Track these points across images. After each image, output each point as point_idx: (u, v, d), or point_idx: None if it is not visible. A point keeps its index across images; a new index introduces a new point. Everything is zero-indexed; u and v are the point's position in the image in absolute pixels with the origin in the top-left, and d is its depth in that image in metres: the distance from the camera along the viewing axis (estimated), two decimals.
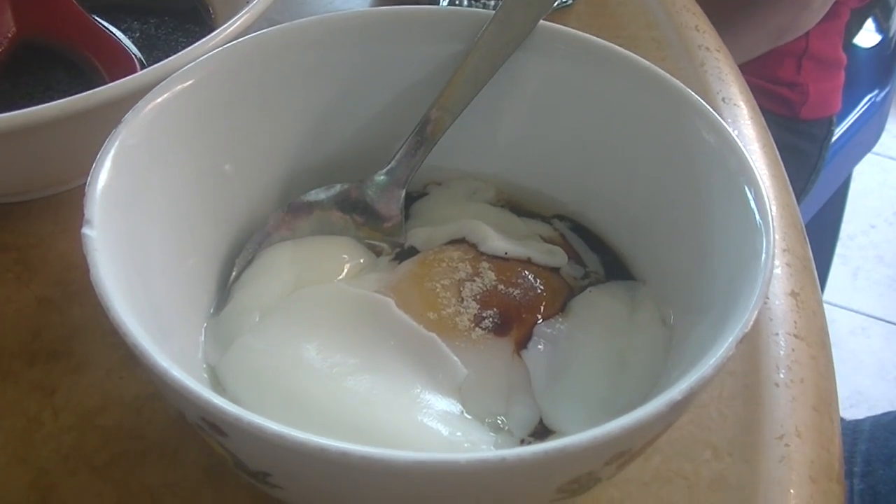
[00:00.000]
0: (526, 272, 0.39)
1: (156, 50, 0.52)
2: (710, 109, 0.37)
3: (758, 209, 0.33)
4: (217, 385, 0.35)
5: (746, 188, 0.34)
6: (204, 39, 0.43)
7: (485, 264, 0.39)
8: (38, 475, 0.38)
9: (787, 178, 0.54)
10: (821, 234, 1.43)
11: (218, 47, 0.40)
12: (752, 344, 0.43)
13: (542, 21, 0.41)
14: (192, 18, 0.54)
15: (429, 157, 0.41)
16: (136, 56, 0.50)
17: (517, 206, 0.43)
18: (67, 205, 0.48)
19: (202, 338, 0.37)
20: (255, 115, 0.40)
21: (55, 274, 0.45)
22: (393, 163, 0.41)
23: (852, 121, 1.42)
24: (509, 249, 0.39)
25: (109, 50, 0.50)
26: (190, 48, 0.42)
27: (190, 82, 0.37)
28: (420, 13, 0.42)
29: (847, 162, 1.47)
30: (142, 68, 0.49)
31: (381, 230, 0.41)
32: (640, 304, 0.38)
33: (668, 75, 0.39)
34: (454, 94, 0.41)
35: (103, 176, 0.33)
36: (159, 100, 0.36)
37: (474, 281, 0.38)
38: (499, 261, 0.39)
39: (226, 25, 0.45)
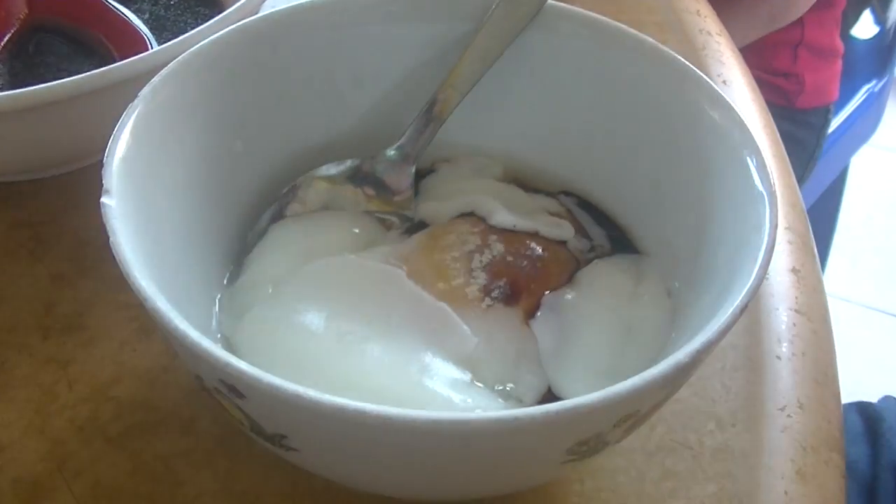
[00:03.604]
0: (534, 244, 0.39)
1: (165, 31, 0.52)
2: (714, 85, 0.38)
3: (760, 179, 0.34)
4: (232, 354, 0.36)
5: (749, 160, 0.35)
6: (214, 20, 0.44)
7: (493, 237, 0.39)
8: (54, 445, 0.39)
9: (787, 159, 0.55)
10: (819, 223, 1.44)
11: (228, 27, 0.40)
12: (754, 318, 0.44)
13: (549, 0, 0.42)
14: (201, 0, 0.54)
15: (437, 134, 0.42)
16: (146, 36, 0.50)
17: (524, 182, 0.44)
18: (79, 183, 0.49)
19: (216, 308, 0.38)
20: (267, 92, 0.41)
21: (68, 250, 0.46)
22: (403, 139, 0.42)
23: (850, 111, 1.43)
24: (517, 223, 0.40)
25: (121, 30, 0.50)
26: (201, 28, 0.43)
27: (205, 59, 0.38)
28: None
29: (844, 152, 1.47)
30: (152, 49, 0.50)
31: (391, 204, 0.42)
32: (645, 276, 0.39)
33: (672, 52, 0.39)
34: (463, 72, 0.41)
35: (121, 147, 0.34)
36: (176, 76, 0.37)
37: (483, 253, 0.39)
38: (507, 233, 0.40)
39: (235, 7, 0.45)
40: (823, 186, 1.41)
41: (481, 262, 0.38)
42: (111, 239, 0.31)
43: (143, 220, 0.33)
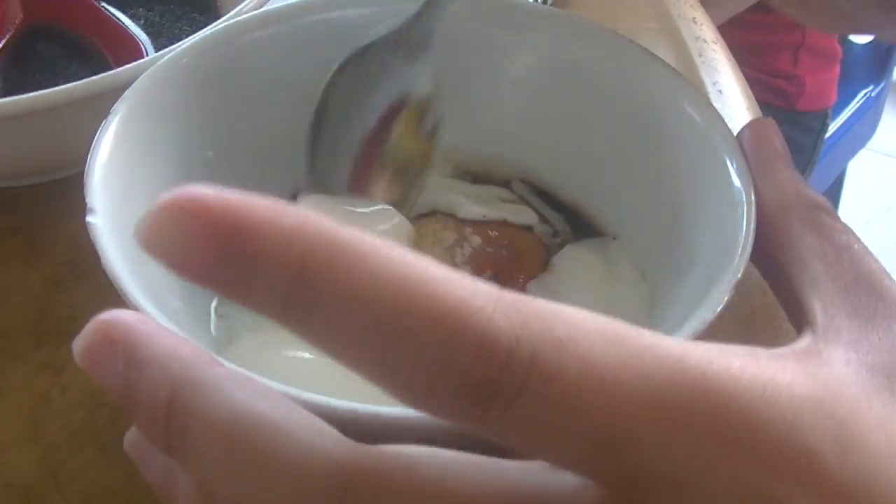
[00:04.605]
0: (506, 233, 0.39)
1: (161, 37, 0.52)
2: (691, 84, 0.37)
3: (737, 171, 0.33)
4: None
5: (727, 157, 0.34)
6: (209, 27, 0.44)
7: (467, 230, 0.39)
8: (47, 451, 0.39)
9: None
10: None
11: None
12: (749, 326, 0.44)
13: (533, 4, 0.41)
14: (197, 6, 0.54)
15: None
16: (142, 42, 0.50)
17: (483, 170, 0.43)
18: (74, 188, 0.48)
19: (211, 320, 0.37)
20: (235, 100, 0.40)
21: (62, 255, 0.46)
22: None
23: (847, 116, 1.43)
24: (486, 213, 0.40)
25: (116, 36, 0.50)
26: (196, 35, 0.43)
27: (180, 67, 0.38)
28: None
29: (842, 157, 1.48)
30: (148, 55, 0.50)
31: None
32: (615, 260, 0.39)
33: (642, 46, 0.39)
34: None
35: (100, 162, 0.33)
36: (148, 85, 0.36)
37: (462, 246, 0.38)
38: (479, 225, 0.40)
39: (231, 14, 0.45)
40: (821, 191, 1.40)
41: (463, 255, 0.38)
42: (102, 258, 0.30)
43: (128, 236, 0.33)
